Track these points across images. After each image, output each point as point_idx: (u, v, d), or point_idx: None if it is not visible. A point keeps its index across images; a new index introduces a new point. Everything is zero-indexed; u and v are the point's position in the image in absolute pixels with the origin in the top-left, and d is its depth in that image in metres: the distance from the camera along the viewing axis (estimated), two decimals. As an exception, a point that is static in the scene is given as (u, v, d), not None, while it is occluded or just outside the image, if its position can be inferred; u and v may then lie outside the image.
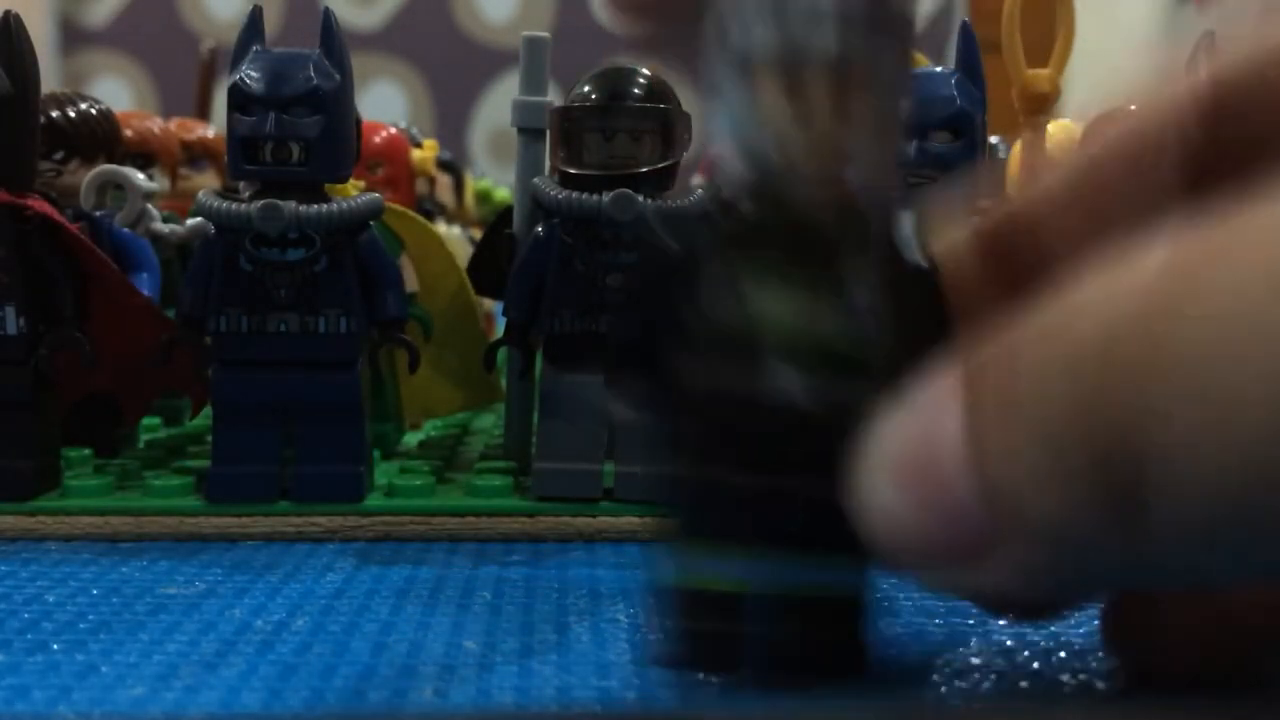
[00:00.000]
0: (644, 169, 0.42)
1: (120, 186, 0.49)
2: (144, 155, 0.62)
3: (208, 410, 0.44)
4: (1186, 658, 0.24)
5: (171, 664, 0.28)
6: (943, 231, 0.27)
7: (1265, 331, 0.16)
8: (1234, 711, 0.26)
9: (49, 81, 0.46)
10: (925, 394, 0.20)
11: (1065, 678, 0.28)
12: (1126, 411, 0.17)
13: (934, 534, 0.20)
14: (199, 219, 0.45)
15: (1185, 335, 0.16)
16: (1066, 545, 0.18)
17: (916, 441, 0.20)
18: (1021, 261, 0.25)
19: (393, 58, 2.34)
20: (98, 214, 0.48)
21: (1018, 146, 0.55)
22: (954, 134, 0.40)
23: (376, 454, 0.47)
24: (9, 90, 0.41)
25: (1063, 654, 0.30)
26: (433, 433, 0.56)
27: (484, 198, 1.04)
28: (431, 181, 0.72)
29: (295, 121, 0.40)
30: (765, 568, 0.24)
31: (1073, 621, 0.32)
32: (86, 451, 0.46)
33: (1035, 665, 0.29)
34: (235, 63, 0.41)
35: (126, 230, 0.49)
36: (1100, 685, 0.27)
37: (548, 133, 0.46)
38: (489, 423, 0.60)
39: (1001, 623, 0.32)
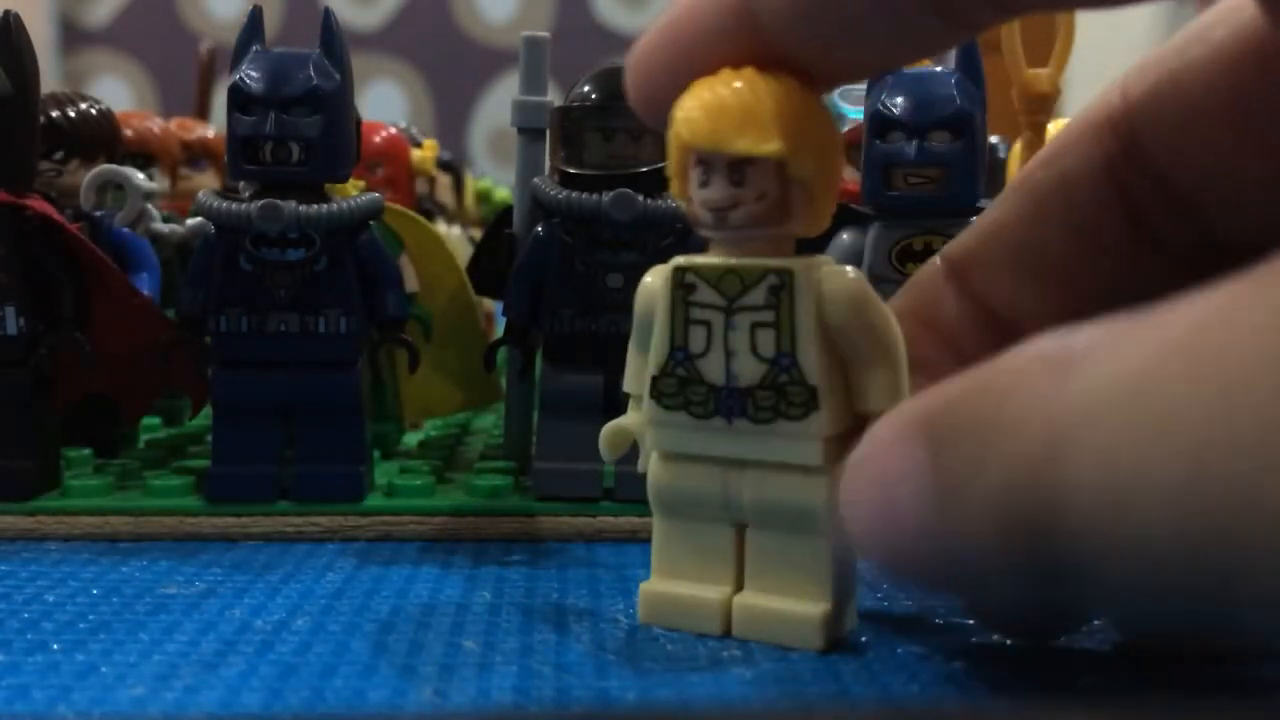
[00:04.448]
0: (644, 169, 0.42)
1: (120, 186, 0.49)
2: (144, 155, 0.62)
3: (208, 410, 0.44)
4: (1178, 640, 0.28)
5: (171, 664, 0.28)
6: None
7: (1146, 478, 0.19)
8: (1230, 713, 0.26)
9: (49, 81, 0.46)
10: (895, 452, 0.24)
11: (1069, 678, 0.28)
12: (1054, 514, 0.20)
13: (915, 571, 0.24)
14: (199, 219, 0.45)
15: (1072, 466, 0.20)
16: (1012, 589, 0.22)
17: (894, 502, 0.23)
18: (975, 291, 0.31)
19: (393, 58, 2.34)
20: (97, 214, 0.48)
21: (1018, 146, 0.55)
22: (954, 134, 0.40)
23: (376, 454, 0.47)
24: (9, 90, 0.41)
25: (1062, 650, 0.30)
26: (433, 432, 0.56)
27: (484, 197, 1.04)
28: (431, 181, 0.72)
29: (295, 121, 0.40)
30: None
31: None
32: (86, 451, 0.46)
33: (1036, 663, 0.29)
34: (235, 63, 0.41)
35: (126, 230, 0.49)
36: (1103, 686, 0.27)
37: (548, 132, 0.46)
38: (489, 423, 0.60)
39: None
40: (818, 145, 0.28)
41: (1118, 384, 0.19)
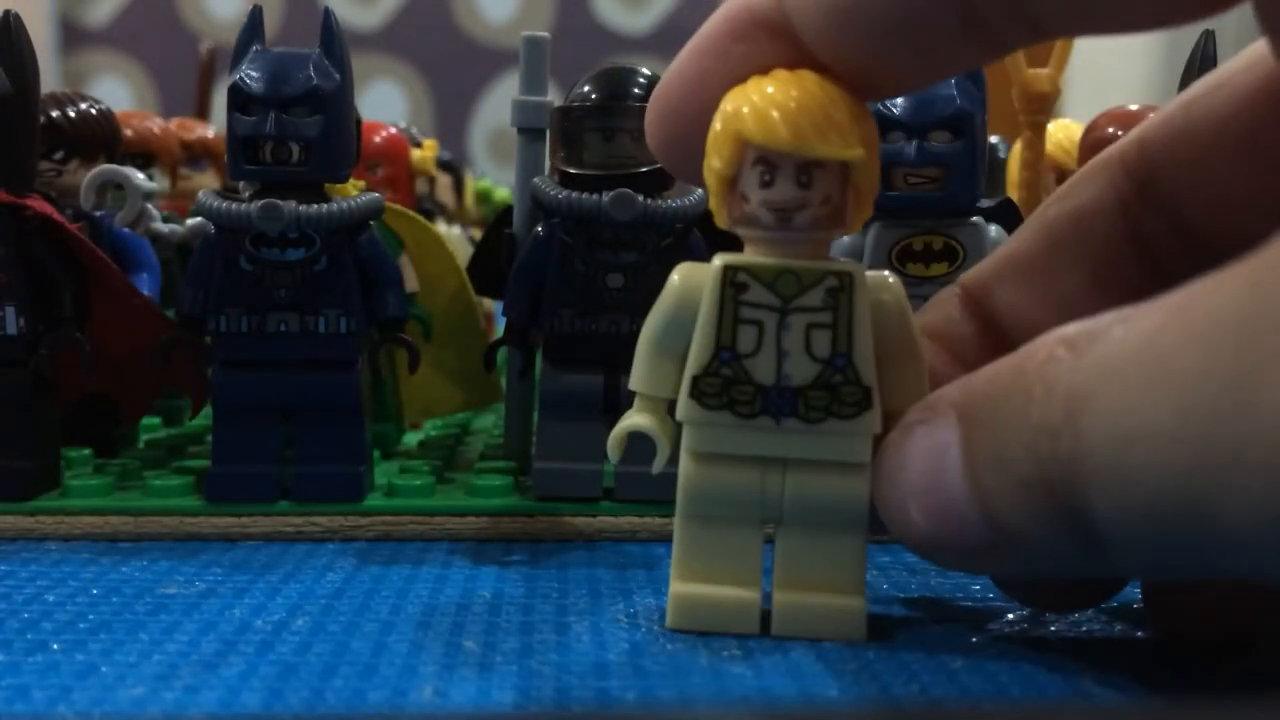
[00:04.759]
0: (644, 169, 0.42)
1: (120, 186, 0.49)
2: (144, 155, 0.62)
3: (208, 410, 0.44)
4: (1209, 624, 0.29)
5: (171, 664, 0.28)
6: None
7: (1146, 424, 0.21)
8: (1231, 713, 0.26)
9: (49, 81, 0.46)
10: (929, 431, 0.27)
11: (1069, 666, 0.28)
12: (1072, 473, 0.23)
13: (951, 544, 0.26)
14: (199, 219, 0.45)
15: (1089, 430, 0.22)
16: (1042, 556, 0.25)
17: (929, 477, 0.26)
18: (990, 316, 0.32)
19: (393, 58, 2.34)
20: (98, 214, 0.48)
21: (1018, 146, 0.55)
22: (954, 134, 0.40)
23: (376, 454, 0.47)
24: (9, 90, 0.41)
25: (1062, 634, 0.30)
26: (433, 433, 0.56)
27: (484, 198, 1.04)
28: (431, 181, 0.72)
29: (295, 121, 0.40)
30: None
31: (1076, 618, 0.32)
32: (86, 451, 0.46)
33: (1036, 663, 0.29)
34: (235, 63, 0.41)
35: (126, 230, 0.49)
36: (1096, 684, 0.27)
37: (548, 132, 0.46)
38: (489, 423, 0.60)
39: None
40: (874, 149, 0.28)
41: (1126, 349, 0.22)
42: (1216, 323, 0.21)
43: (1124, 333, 0.22)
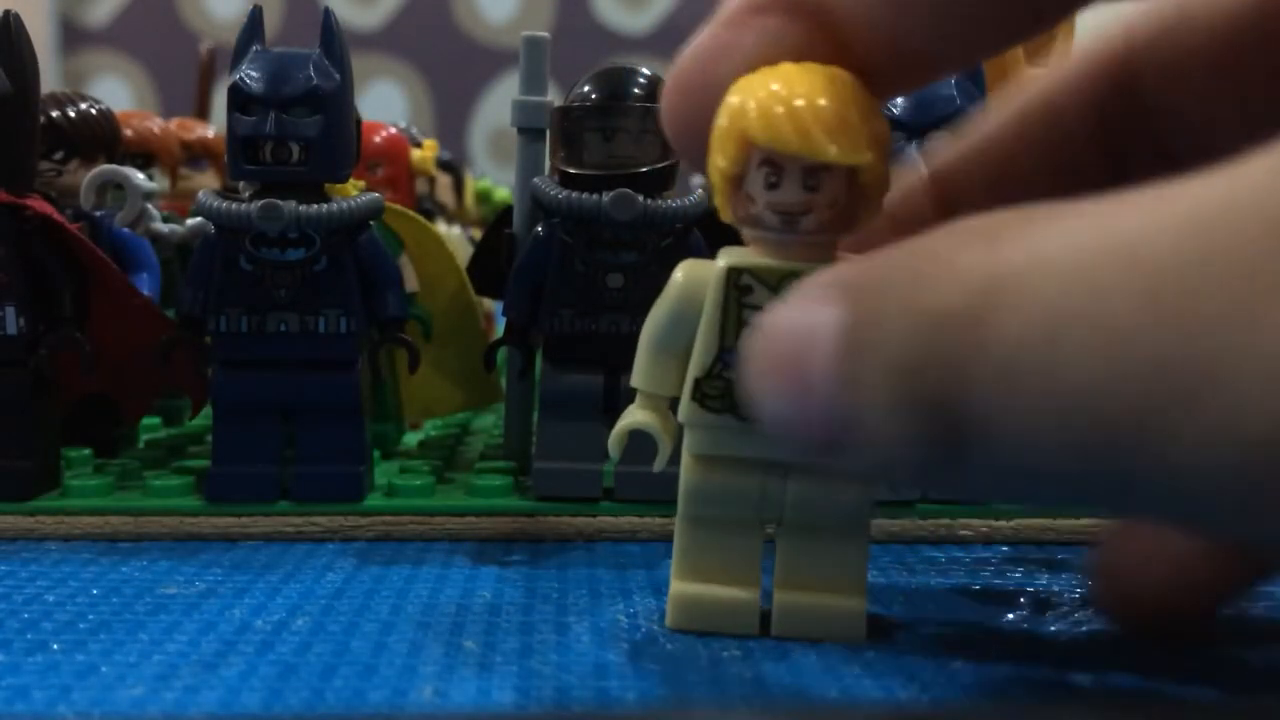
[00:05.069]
0: (644, 169, 0.42)
1: (120, 186, 0.49)
2: (144, 155, 0.62)
3: (208, 410, 0.44)
4: (1156, 611, 0.29)
5: (171, 664, 0.28)
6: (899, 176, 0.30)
7: (1058, 329, 0.18)
8: (1230, 712, 0.26)
9: (49, 81, 0.46)
10: (807, 296, 0.23)
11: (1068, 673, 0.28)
12: (954, 377, 0.20)
13: (795, 424, 0.23)
14: (199, 219, 0.45)
15: (1004, 320, 0.19)
16: (899, 465, 0.22)
17: (792, 340, 0.23)
18: (950, 208, 0.29)
19: (393, 58, 2.34)
20: (98, 214, 0.48)
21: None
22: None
23: (376, 454, 0.47)
24: (9, 90, 0.41)
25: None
26: (433, 433, 0.56)
27: (484, 198, 1.04)
28: (431, 181, 0.72)
29: (295, 121, 0.40)
30: None
31: (1073, 619, 0.32)
32: (86, 451, 0.46)
33: (1036, 662, 0.29)
34: (235, 63, 0.41)
35: (126, 230, 0.49)
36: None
37: (548, 133, 0.46)
38: (489, 423, 0.60)
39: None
40: (884, 149, 0.27)
41: (1083, 236, 0.19)
42: (1225, 209, 0.18)
43: (1081, 223, 0.19)
